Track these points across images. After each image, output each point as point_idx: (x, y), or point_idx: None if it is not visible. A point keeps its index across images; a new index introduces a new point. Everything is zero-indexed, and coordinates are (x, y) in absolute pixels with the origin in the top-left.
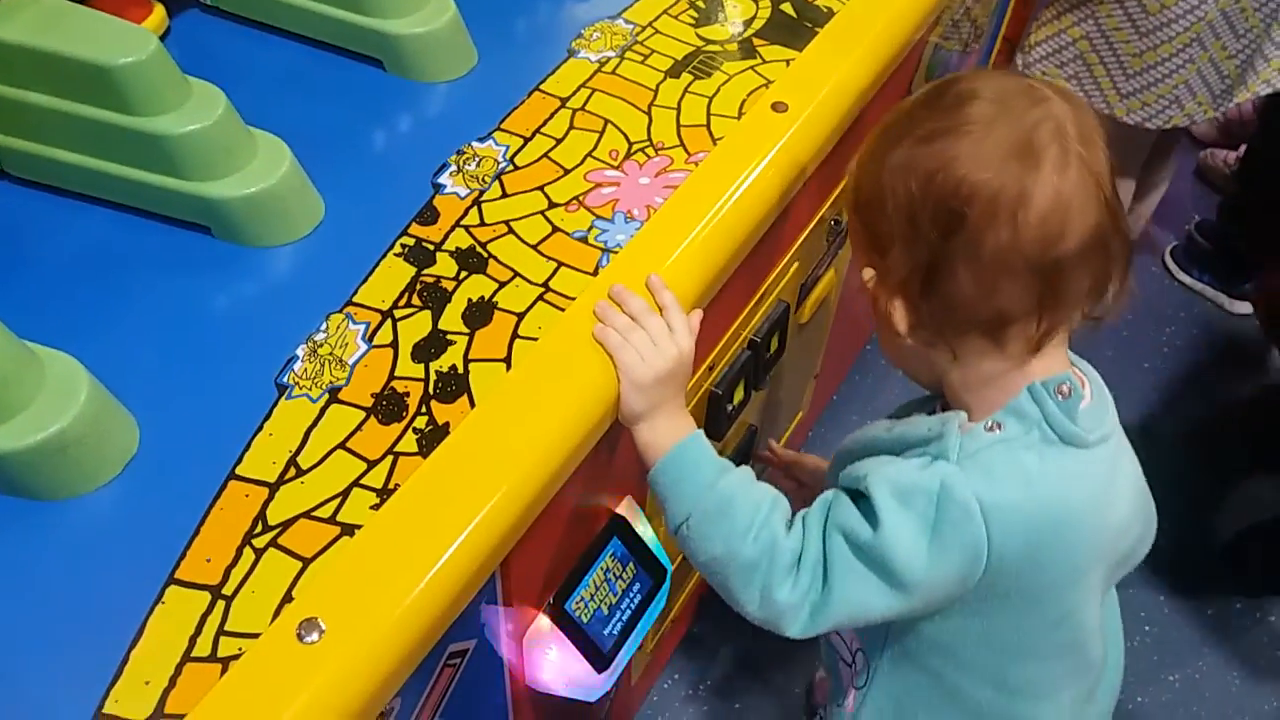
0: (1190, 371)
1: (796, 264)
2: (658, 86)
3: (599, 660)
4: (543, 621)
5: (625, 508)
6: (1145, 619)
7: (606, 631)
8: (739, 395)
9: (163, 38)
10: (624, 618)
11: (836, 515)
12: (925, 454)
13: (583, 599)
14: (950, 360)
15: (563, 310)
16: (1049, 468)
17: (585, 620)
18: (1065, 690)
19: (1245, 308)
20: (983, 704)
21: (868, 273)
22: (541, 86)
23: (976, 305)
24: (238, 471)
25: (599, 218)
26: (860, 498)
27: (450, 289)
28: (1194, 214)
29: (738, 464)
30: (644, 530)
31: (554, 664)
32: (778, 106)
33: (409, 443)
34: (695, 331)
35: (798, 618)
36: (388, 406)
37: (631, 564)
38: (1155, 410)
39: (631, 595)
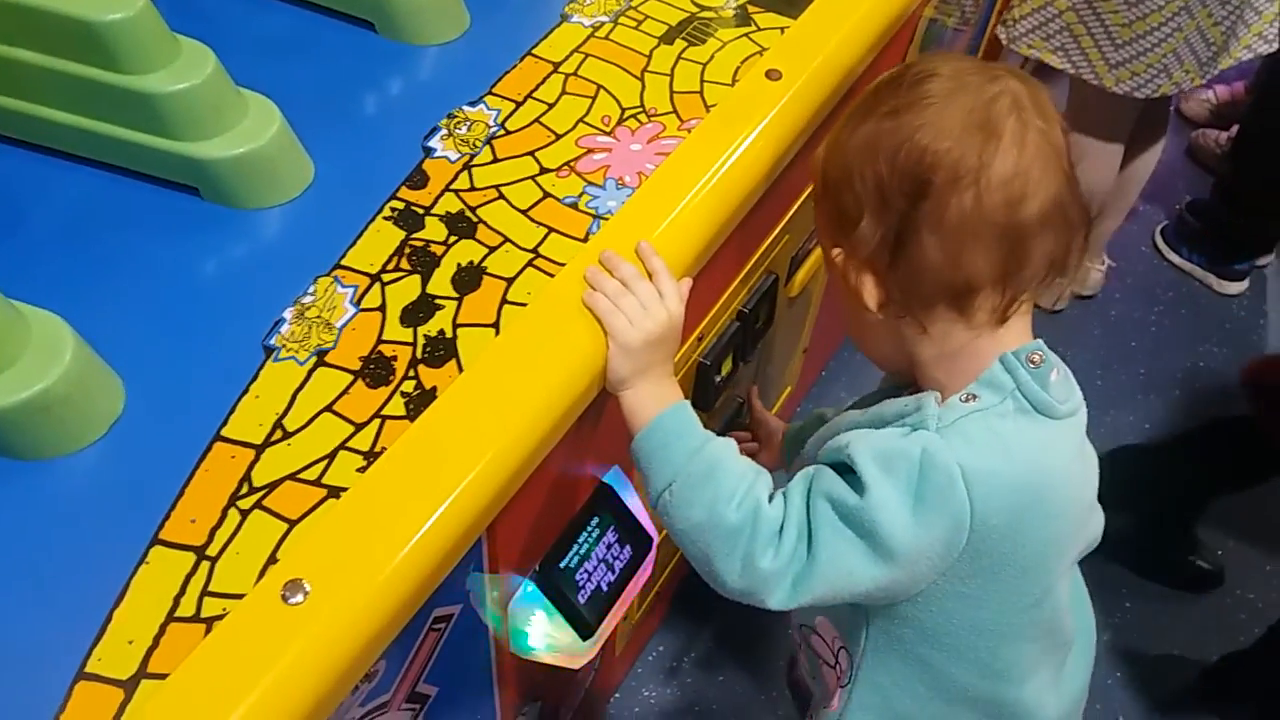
0: (1176, 351)
1: (788, 236)
2: (651, 52)
3: (584, 628)
4: (528, 588)
5: (612, 477)
6: (1125, 596)
7: (591, 599)
8: (727, 367)
9: None
10: (609, 586)
11: (821, 484)
12: (905, 424)
13: (568, 567)
14: (919, 334)
15: (552, 276)
16: (1025, 437)
17: (570, 588)
18: (1044, 670)
19: (1234, 288)
20: (968, 689)
21: (836, 251)
22: (534, 51)
23: (943, 272)
24: (223, 433)
25: (590, 184)
26: (844, 470)
27: (439, 253)
28: (1185, 194)
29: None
30: (630, 500)
31: (539, 631)
32: (771, 74)
33: (396, 406)
34: (685, 298)
35: (780, 586)
36: (375, 370)
37: (617, 533)
38: (1139, 389)
39: (617, 564)
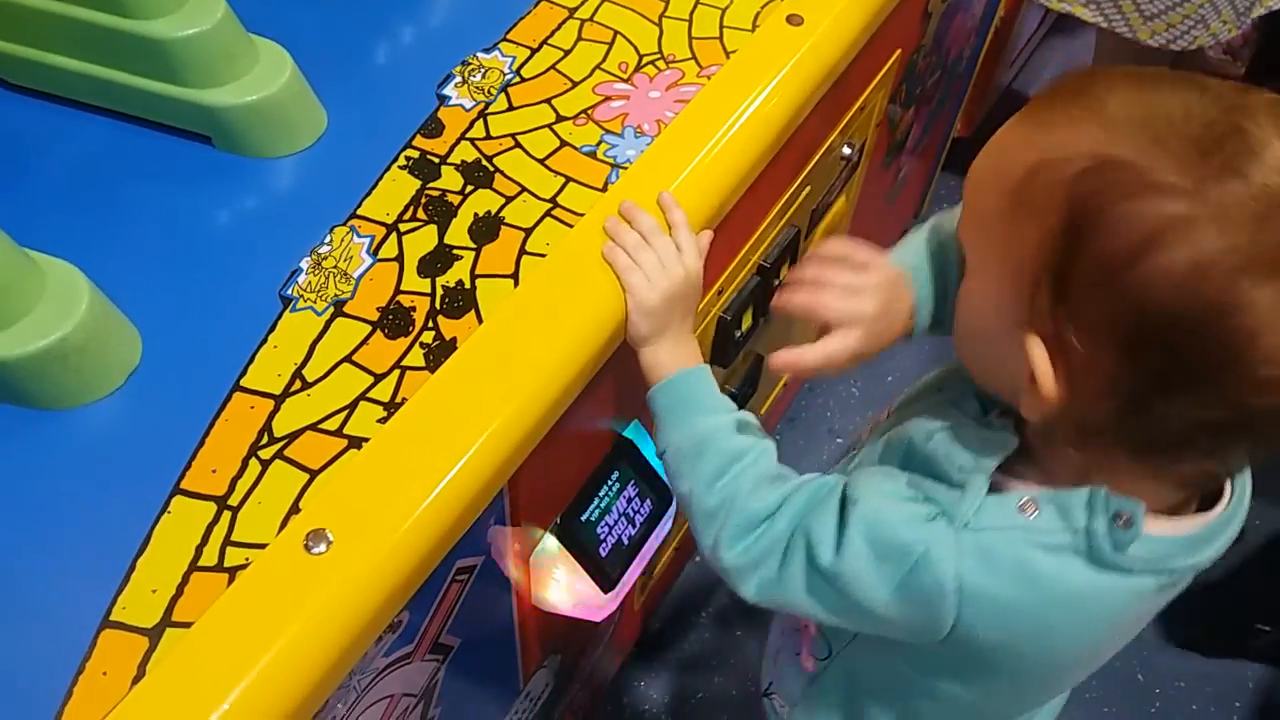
0: None
1: (809, 188)
2: None
3: (605, 581)
4: (549, 541)
5: (633, 431)
6: None
7: (612, 553)
8: (747, 321)
9: None
10: (630, 540)
11: (814, 518)
12: (933, 502)
13: (589, 520)
14: (1076, 442)
15: (571, 226)
16: (1069, 577)
17: (591, 541)
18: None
19: None
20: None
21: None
22: None
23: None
24: (242, 383)
25: (608, 132)
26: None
27: (456, 203)
28: None
29: (745, 394)
30: (651, 454)
31: (560, 584)
32: (793, 19)
33: (416, 357)
34: (704, 252)
35: (745, 583)
36: (394, 321)
37: (638, 487)
38: None
39: (637, 518)
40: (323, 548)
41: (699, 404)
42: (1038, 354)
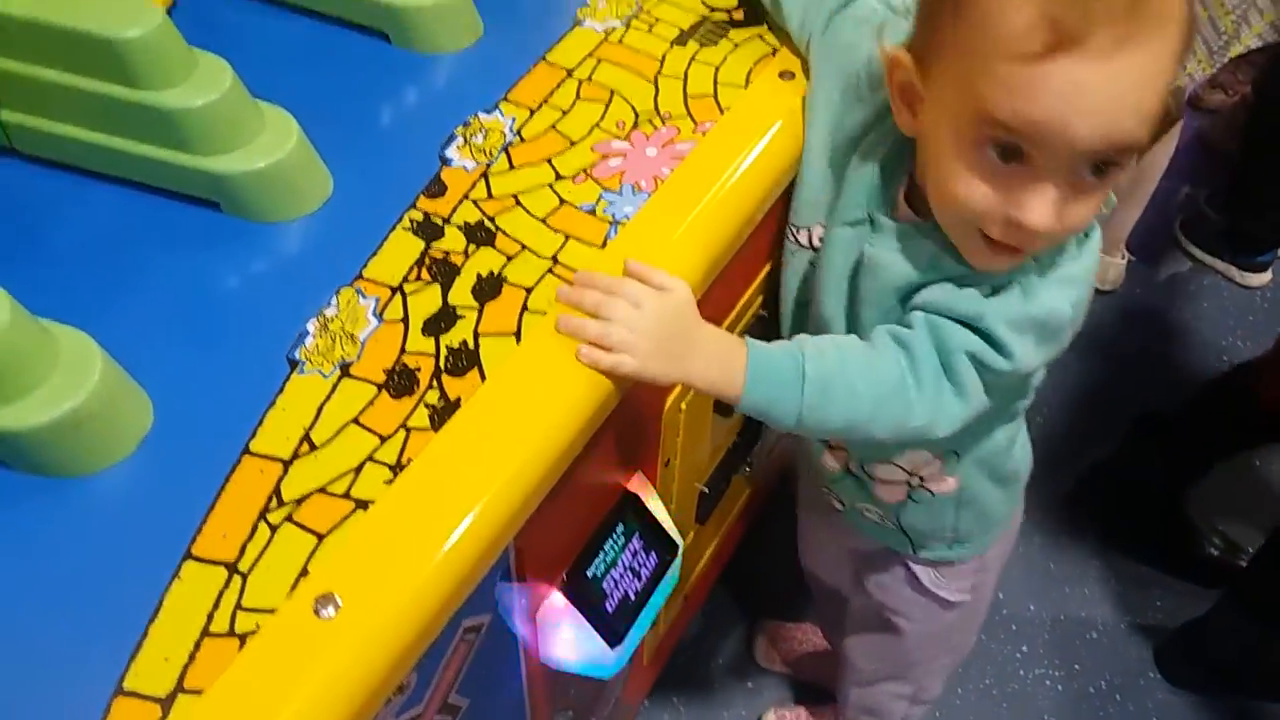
0: (1201, 343)
1: None
2: (664, 56)
3: (612, 636)
4: (556, 597)
5: (637, 483)
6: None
7: (619, 607)
8: None
9: (169, 11)
10: (636, 594)
11: (958, 340)
12: (1012, 281)
13: (595, 575)
14: None
15: (572, 284)
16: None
17: (598, 596)
18: None
19: (1257, 280)
20: (1021, 406)
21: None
22: (547, 56)
23: None
24: (251, 447)
25: (607, 189)
26: (966, 324)
27: (459, 263)
28: (1203, 184)
29: (749, 439)
30: (655, 506)
31: (568, 640)
32: (785, 74)
33: (421, 417)
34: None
35: (938, 427)
36: (399, 381)
37: (643, 540)
38: (1164, 384)
39: (643, 572)
40: (331, 611)
41: (782, 367)
42: (902, 55)
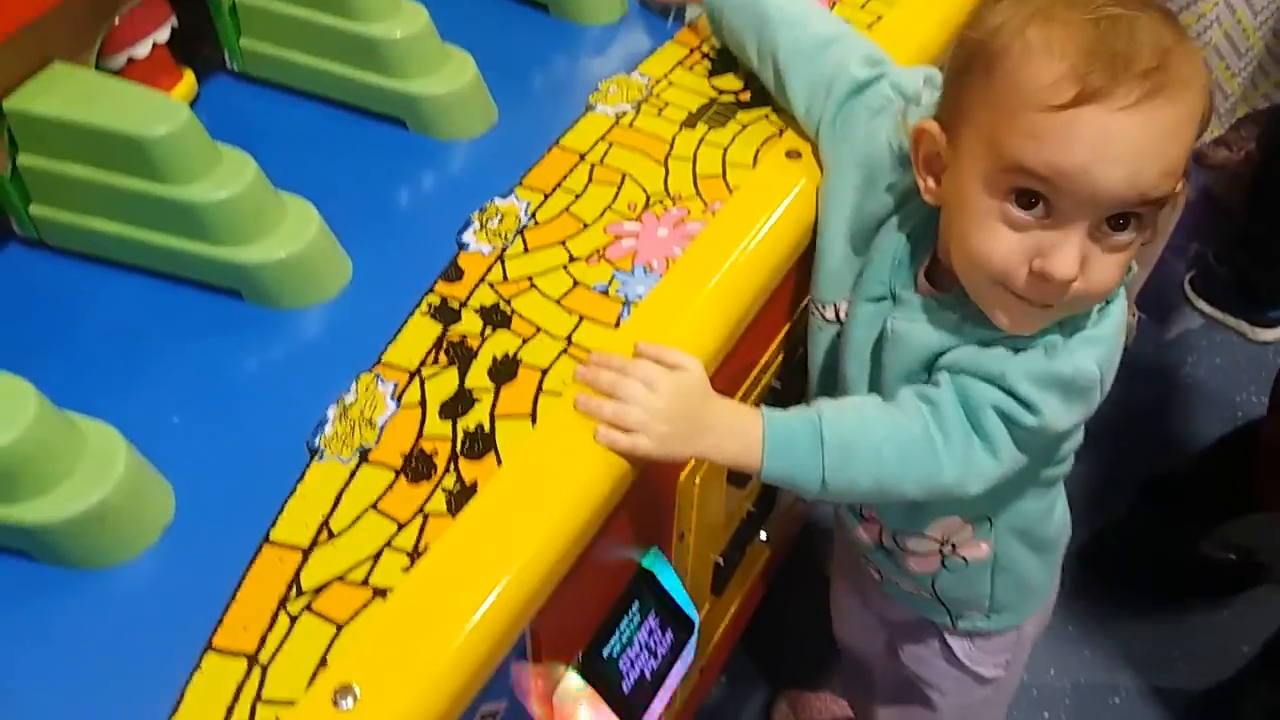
0: (1214, 400)
1: None
2: (674, 138)
3: (630, 716)
4: (572, 679)
5: (651, 560)
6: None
7: (636, 687)
8: None
9: (192, 103)
10: (653, 673)
11: (985, 397)
12: (1035, 344)
13: (611, 655)
14: None
15: (584, 363)
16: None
17: (615, 676)
18: None
19: (1269, 335)
20: (1057, 474)
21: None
22: (561, 141)
23: None
24: (272, 536)
25: (619, 270)
26: (990, 383)
27: (476, 346)
28: (1211, 240)
29: (763, 510)
30: (670, 582)
31: None
32: (791, 154)
33: (438, 502)
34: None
35: (969, 484)
36: (417, 466)
37: (659, 617)
38: (1177, 441)
39: (659, 650)
40: (349, 703)
41: (801, 435)
42: (931, 126)
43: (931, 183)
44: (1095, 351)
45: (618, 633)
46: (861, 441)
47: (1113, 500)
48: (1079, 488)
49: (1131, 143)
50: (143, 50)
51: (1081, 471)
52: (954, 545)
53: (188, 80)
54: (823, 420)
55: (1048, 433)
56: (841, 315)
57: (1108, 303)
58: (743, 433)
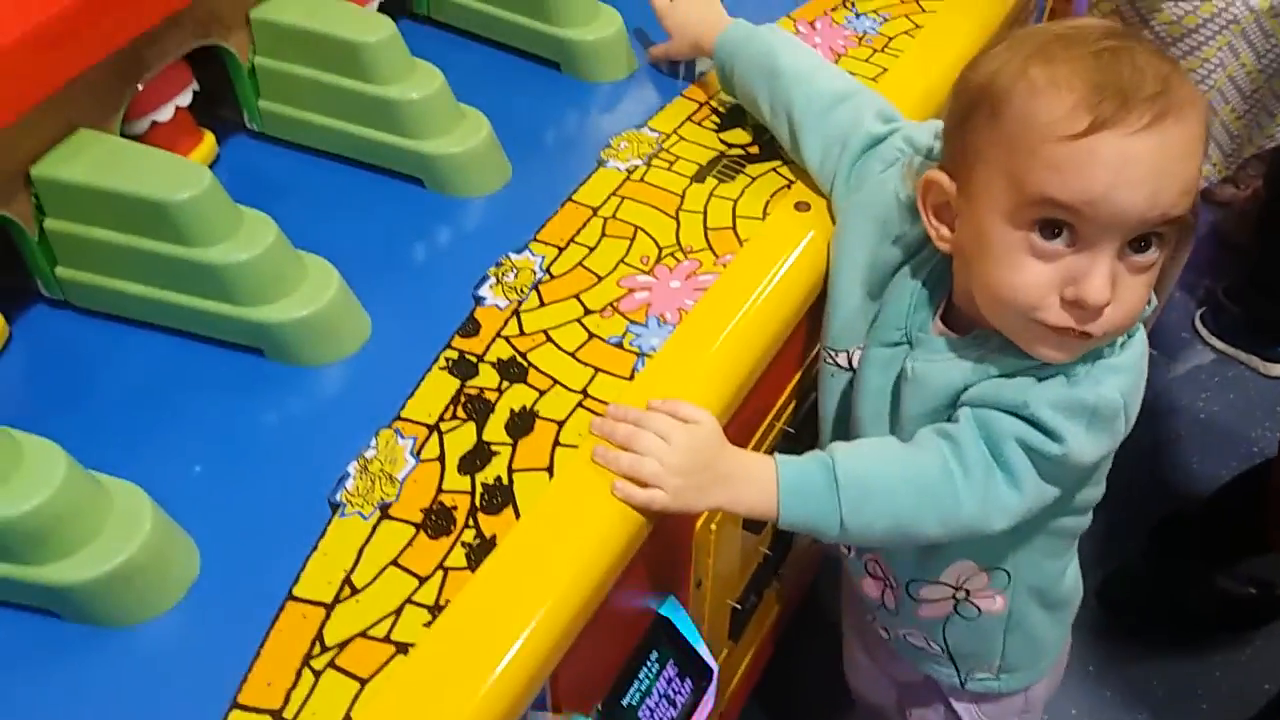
0: (1227, 438)
1: None
2: (684, 191)
3: None
4: None
5: (669, 608)
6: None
7: None
8: None
9: (213, 164)
10: None
11: (1006, 429)
12: (1056, 373)
13: (631, 703)
14: None
15: (600, 415)
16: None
17: None
18: None
19: None
20: (1075, 528)
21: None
22: (574, 197)
23: None
24: (295, 592)
25: (633, 322)
26: (1013, 416)
27: (493, 400)
28: (1220, 278)
29: (779, 554)
30: (688, 631)
31: None
32: (800, 206)
33: (458, 557)
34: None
35: (993, 520)
36: (436, 521)
37: (677, 666)
38: (1191, 478)
39: (679, 699)
40: None
41: (816, 479)
42: (940, 177)
43: (945, 231)
44: (1118, 380)
45: (637, 682)
46: (877, 480)
47: (1125, 537)
48: (1094, 525)
49: (1149, 164)
50: (166, 114)
51: (1095, 507)
52: (968, 591)
53: (208, 141)
54: (836, 461)
55: (1071, 463)
56: (854, 363)
57: (1129, 335)
58: (757, 482)
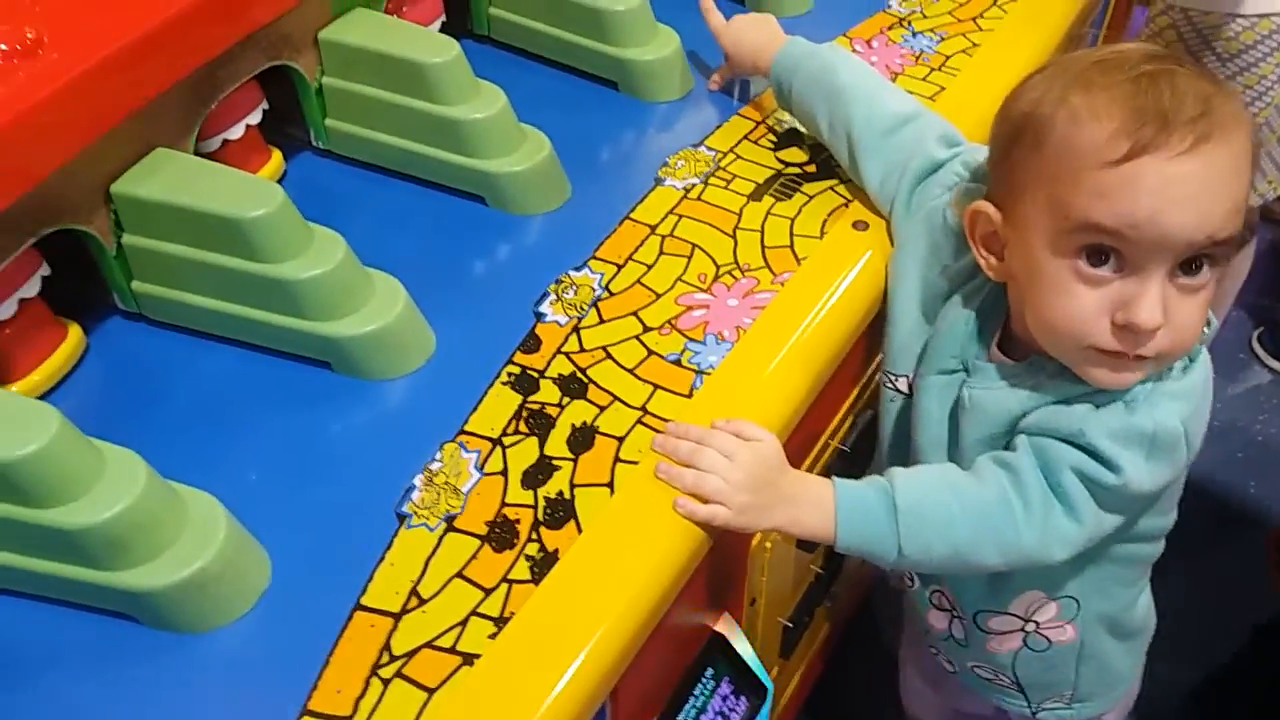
0: None
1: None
2: (741, 210)
3: None
4: None
5: (724, 625)
6: None
7: None
8: None
9: (280, 180)
10: None
11: (1063, 458)
12: (1114, 400)
13: None
14: None
15: (660, 432)
16: (1199, 376)
17: None
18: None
19: None
20: (1146, 556)
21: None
22: (631, 215)
23: None
24: (363, 602)
25: (691, 340)
26: (1072, 445)
27: (554, 415)
28: (1277, 295)
29: (833, 570)
30: (743, 647)
31: None
32: (858, 225)
33: (521, 570)
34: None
35: (1053, 551)
36: (500, 534)
37: (732, 684)
38: (1249, 501)
39: (734, 715)
40: None
41: (875, 505)
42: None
43: (994, 260)
44: (1178, 406)
45: (692, 699)
46: (936, 508)
47: (1188, 555)
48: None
49: (1194, 186)
50: (237, 132)
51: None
52: (1037, 623)
53: (276, 159)
54: (895, 488)
55: (1130, 492)
56: (912, 388)
57: (1191, 360)
58: (817, 505)
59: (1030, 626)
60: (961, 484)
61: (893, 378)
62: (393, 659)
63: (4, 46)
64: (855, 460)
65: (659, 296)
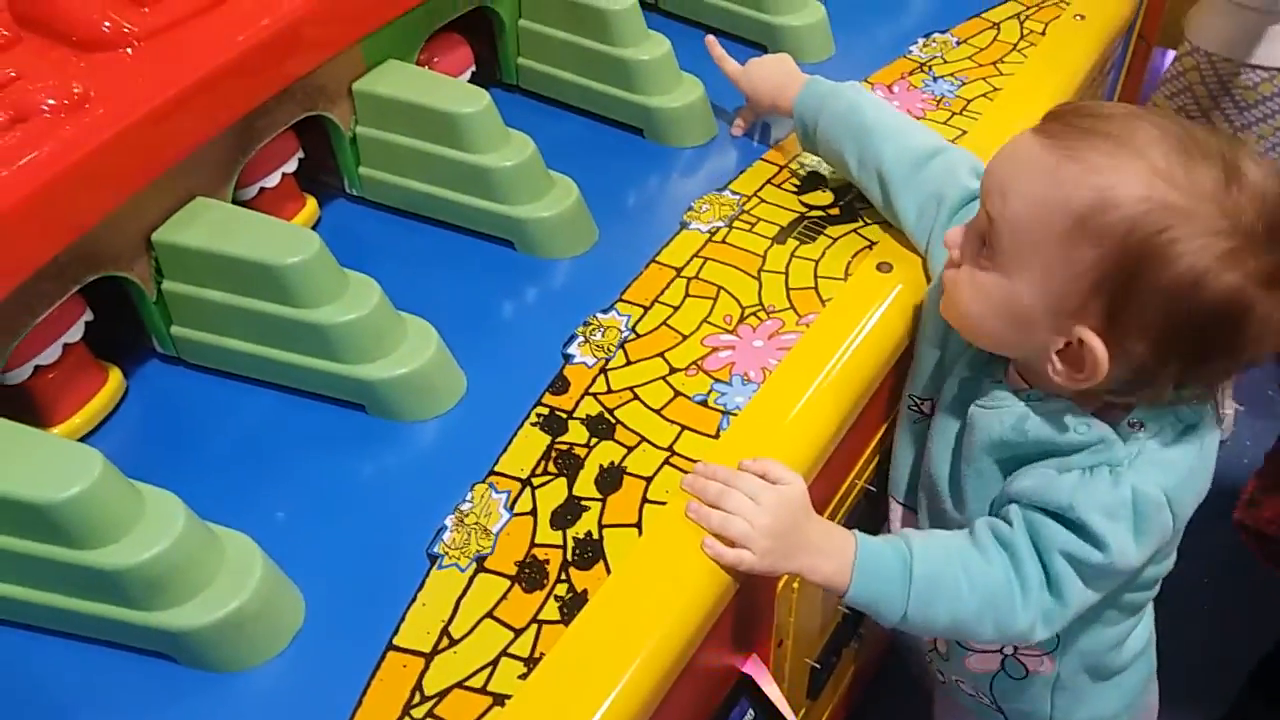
0: None
1: None
2: (766, 252)
3: None
4: None
5: (752, 666)
6: None
7: None
8: None
9: (314, 226)
10: None
11: (1053, 539)
12: (1100, 464)
13: None
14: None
15: (688, 473)
16: (1195, 445)
17: None
18: None
19: None
20: (1137, 602)
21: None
22: (658, 258)
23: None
24: (395, 642)
25: (717, 380)
26: (1057, 518)
27: (583, 455)
28: None
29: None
30: (770, 689)
31: None
32: (882, 266)
33: (551, 610)
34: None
35: (1037, 631)
36: (530, 574)
37: None
38: None
39: None
40: None
41: (891, 563)
42: (1097, 345)
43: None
44: (1160, 475)
45: None
46: (947, 582)
47: (1191, 588)
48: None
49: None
50: (273, 180)
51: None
52: (1015, 648)
53: (310, 206)
54: (913, 553)
55: (1115, 569)
56: (933, 410)
57: (1191, 426)
58: (837, 554)
59: (1009, 649)
60: (971, 562)
61: (917, 401)
62: (424, 699)
63: (53, 101)
64: (883, 499)
65: (685, 338)
